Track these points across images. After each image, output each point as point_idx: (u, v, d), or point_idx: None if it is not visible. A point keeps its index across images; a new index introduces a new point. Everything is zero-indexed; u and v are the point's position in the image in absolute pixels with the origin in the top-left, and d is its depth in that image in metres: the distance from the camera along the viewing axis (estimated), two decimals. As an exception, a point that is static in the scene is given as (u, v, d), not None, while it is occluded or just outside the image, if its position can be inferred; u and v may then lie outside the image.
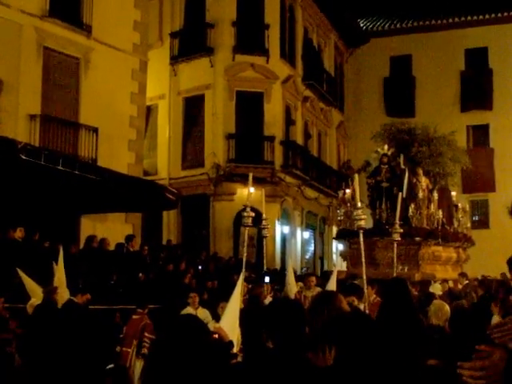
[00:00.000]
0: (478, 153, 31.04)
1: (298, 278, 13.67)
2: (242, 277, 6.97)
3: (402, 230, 10.31)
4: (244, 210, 8.01)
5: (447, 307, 6.91)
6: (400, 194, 11.15)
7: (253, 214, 8.85)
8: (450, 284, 14.31)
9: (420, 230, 16.24)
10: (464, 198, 27.60)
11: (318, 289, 11.36)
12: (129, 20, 20.85)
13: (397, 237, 10.01)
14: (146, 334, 9.72)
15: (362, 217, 7.32)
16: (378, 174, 16.75)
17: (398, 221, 10.13)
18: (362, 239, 7.29)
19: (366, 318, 3.54)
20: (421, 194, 16.39)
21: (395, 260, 9.92)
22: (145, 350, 9.57)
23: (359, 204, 7.60)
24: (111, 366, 8.59)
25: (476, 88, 32.73)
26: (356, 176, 8.62)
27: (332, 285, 9.35)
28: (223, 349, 4.49)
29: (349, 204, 16.85)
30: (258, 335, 4.06)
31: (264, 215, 9.94)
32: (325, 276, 16.82)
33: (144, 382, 2.24)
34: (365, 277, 7.72)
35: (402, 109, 32.18)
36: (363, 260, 7.46)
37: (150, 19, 22.78)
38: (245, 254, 9.16)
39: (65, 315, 9.44)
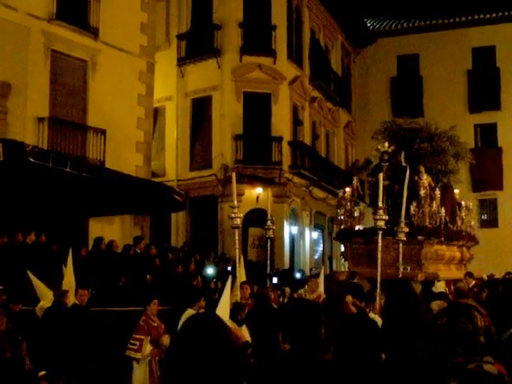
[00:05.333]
0: (487, 152, 30.95)
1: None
2: (229, 279, 6.92)
3: (407, 229, 10.19)
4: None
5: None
6: (405, 192, 11.02)
7: (241, 215, 8.85)
8: (462, 284, 14.12)
9: (422, 228, 15.81)
10: (473, 196, 27.56)
11: (320, 291, 11.16)
12: (136, 22, 20.89)
13: (402, 236, 9.88)
14: (134, 335, 9.28)
15: (383, 217, 7.21)
16: (379, 172, 16.44)
17: (403, 219, 10.02)
18: (380, 240, 7.21)
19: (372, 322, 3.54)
20: (422, 192, 15.90)
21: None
22: (129, 352, 9.13)
23: (380, 204, 7.52)
24: None
25: (484, 87, 32.62)
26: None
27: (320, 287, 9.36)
28: (242, 349, 4.50)
29: (348, 203, 16.59)
30: (269, 336, 4.06)
31: (269, 215, 9.91)
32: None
33: (165, 379, 2.24)
34: (379, 279, 7.63)
35: (409, 108, 31.96)
36: (379, 261, 7.39)
37: (156, 21, 22.82)
38: (237, 257, 9.22)
39: (71, 317, 9.44)
